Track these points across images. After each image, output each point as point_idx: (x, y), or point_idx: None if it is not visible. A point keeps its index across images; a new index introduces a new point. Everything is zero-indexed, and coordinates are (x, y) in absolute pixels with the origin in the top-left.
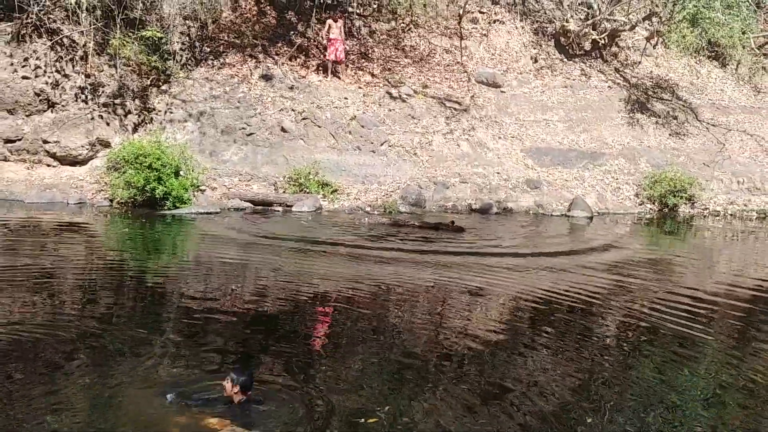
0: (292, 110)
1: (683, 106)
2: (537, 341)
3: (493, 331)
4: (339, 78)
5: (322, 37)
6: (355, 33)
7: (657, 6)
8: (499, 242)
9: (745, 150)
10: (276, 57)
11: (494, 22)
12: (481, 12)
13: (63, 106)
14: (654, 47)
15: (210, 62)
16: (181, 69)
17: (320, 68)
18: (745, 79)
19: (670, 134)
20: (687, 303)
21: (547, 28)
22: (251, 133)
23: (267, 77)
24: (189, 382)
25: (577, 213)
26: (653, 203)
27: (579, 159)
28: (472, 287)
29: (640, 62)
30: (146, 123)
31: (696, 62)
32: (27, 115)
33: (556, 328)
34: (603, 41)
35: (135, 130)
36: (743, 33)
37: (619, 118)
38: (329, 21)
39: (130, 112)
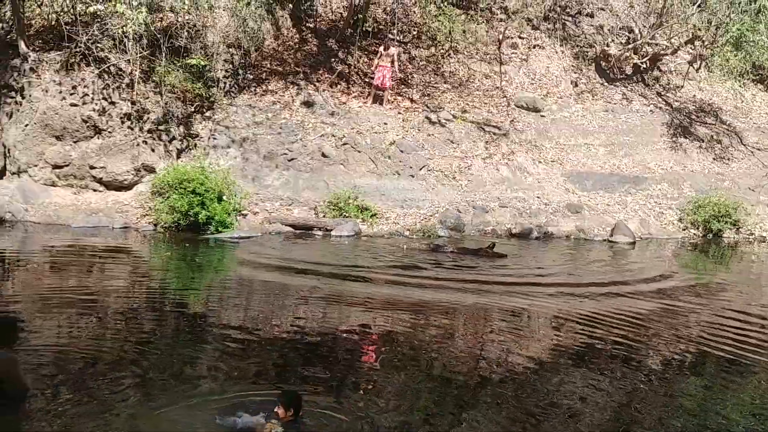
0: (333, 136)
1: (727, 130)
2: (579, 366)
3: (534, 356)
4: (381, 104)
5: (375, 66)
6: (398, 60)
7: (699, 30)
8: (541, 269)
9: None
10: (317, 84)
11: (534, 47)
12: (520, 37)
13: (109, 132)
14: (697, 71)
15: (253, 89)
16: (224, 96)
17: (363, 95)
18: None
19: (714, 158)
20: (735, 327)
21: (587, 52)
22: (292, 159)
23: (308, 103)
24: (234, 404)
25: (620, 238)
26: (697, 228)
27: (621, 183)
28: (513, 312)
29: (682, 86)
30: (190, 149)
31: (740, 86)
32: (74, 142)
33: (599, 354)
34: (644, 65)
35: (179, 155)
36: None
37: (662, 143)
38: (381, 48)
39: (174, 138)
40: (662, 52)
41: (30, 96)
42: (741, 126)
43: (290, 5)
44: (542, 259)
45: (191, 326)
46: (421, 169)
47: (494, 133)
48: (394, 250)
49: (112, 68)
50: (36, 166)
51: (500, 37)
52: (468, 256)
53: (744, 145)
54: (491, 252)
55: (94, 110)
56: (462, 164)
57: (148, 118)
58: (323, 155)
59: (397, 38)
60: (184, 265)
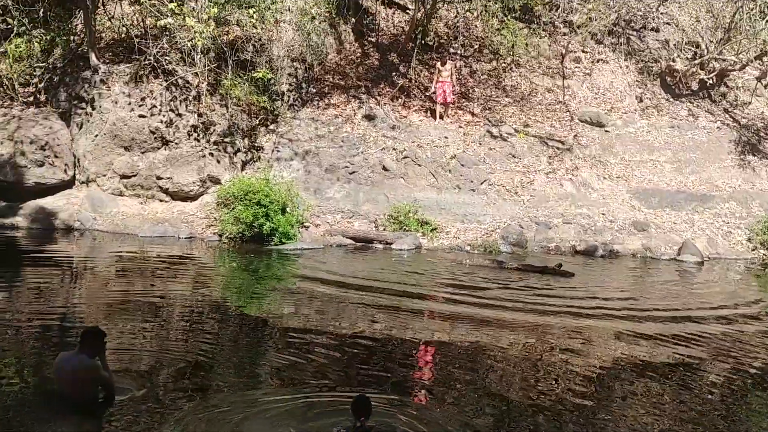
0: (393, 149)
1: None
2: (642, 398)
3: (595, 386)
4: (443, 119)
5: (434, 82)
6: (456, 73)
7: (766, 45)
8: (613, 292)
9: None
10: (378, 97)
11: (597, 61)
12: (584, 51)
13: (176, 143)
14: (765, 87)
15: (315, 103)
16: (288, 109)
17: (423, 109)
18: None
19: None
20: None
21: (652, 67)
22: (353, 172)
23: (369, 117)
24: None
25: (687, 257)
26: (767, 249)
27: (688, 201)
28: (577, 340)
29: (750, 103)
30: (254, 161)
31: None
32: (142, 152)
33: (665, 384)
34: (711, 81)
35: (243, 167)
36: None
37: (729, 160)
38: (438, 64)
39: (239, 150)
40: (730, 67)
41: (100, 107)
42: None
43: (353, 20)
44: (612, 281)
45: (254, 335)
46: (482, 184)
47: (557, 148)
48: (456, 266)
49: (179, 81)
50: (104, 175)
51: (563, 51)
52: (533, 274)
53: None
54: (558, 270)
55: (161, 122)
56: (524, 179)
57: (214, 130)
58: (384, 168)
59: (459, 52)
60: (249, 275)
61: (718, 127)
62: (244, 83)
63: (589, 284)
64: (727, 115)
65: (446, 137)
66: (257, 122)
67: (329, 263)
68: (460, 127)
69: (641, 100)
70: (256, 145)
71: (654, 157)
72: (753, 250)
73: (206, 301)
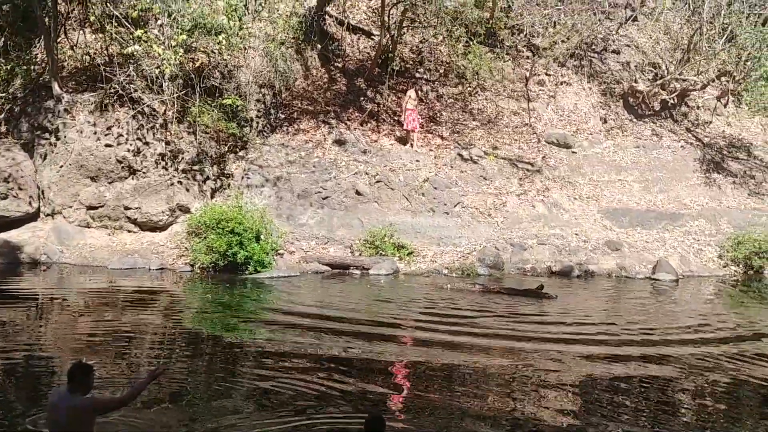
0: (366, 174)
1: (760, 165)
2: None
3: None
4: (413, 146)
5: (402, 108)
6: (423, 97)
7: (728, 65)
8: (595, 316)
9: None
10: (348, 122)
11: (561, 83)
12: (547, 74)
13: (144, 173)
14: (725, 106)
15: (285, 128)
16: (257, 135)
17: (393, 133)
18: None
19: (749, 194)
20: None
21: (614, 88)
22: (327, 197)
23: (340, 142)
24: None
25: (662, 276)
26: (738, 265)
27: (658, 220)
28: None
29: (711, 122)
30: (224, 188)
31: None
32: (109, 182)
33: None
34: (672, 101)
35: (213, 195)
36: None
37: (695, 178)
38: (409, 92)
39: (208, 177)
40: (690, 87)
41: (65, 137)
42: None
43: (319, 45)
44: (595, 303)
45: (229, 363)
46: (455, 206)
47: (527, 170)
48: (438, 291)
49: (146, 109)
50: (70, 207)
51: (527, 74)
52: (517, 297)
53: None
54: (541, 293)
55: (128, 151)
56: (497, 201)
57: (183, 158)
58: (357, 193)
59: (425, 76)
60: (223, 306)
61: (682, 146)
62: (213, 110)
63: (577, 308)
64: (689, 134)
65: (417, 160)
66: (226, 149)
67: (306, 292)
68: (431, 150)
69: (605, 121)
70: (225, 172)
71: (622, 177)
72: (724, 266)
73: (181, 333)
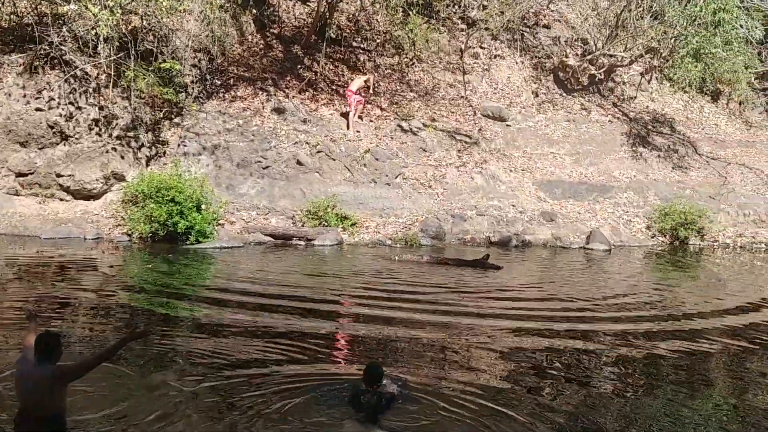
0: (307, 143)
1: (681, 139)
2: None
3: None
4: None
5: (351, 91)
6: (360, 67)
7: (654, 42)
8: (548, 288)
9: (746, 183)
10: (286, 90)
11: (495, 57)
12: (481, 47)
13: (77, 138)
14: (649, 82)
15: (221, 95)
16: (193, 102)
17: (331, 104)
18: (736, 113)
19: (672, 167)
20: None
21: (546, 63)
22: (267, 167)
23: (279, 110)
24: None
25: (596, 246)
26: (665, 236)
27: (589, 192)
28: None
29: (635, 97)
30: (160, 156)
31: (689, 98)
32: (40, 148)
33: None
34: (600, 76)
35: (148, 163)
36: (746, 68)
37: (623, 152)
38: (365, 77)
39: (143, 145)
40: (618, 63)
41: None
42: (694, 136)
43: (254, 11)
44: (542, 273)
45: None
46: (396, 177)
47: (465, 142)
48: (385, 263)
49: (78, 72)
50: None
51: (462, 47)
52: (466, 269)
53: (699, 154)
54: (487, 264)
55: (60, 115)
56: (436, 172)
57: (117, 124)
58: (298, 163)
59: (361, 46)
60: (166, 276)
61: (609, 121)
62: (148, 75)
63: (524, 278)
64: (616, 109)
65: (358, 131)
66: (162, 115)
67: (251, 263)
68: (371, 121)
69: (537, 95)
70: (161, 139)
71: (554, 150)
72: (652, 237)
73: (119, 304)
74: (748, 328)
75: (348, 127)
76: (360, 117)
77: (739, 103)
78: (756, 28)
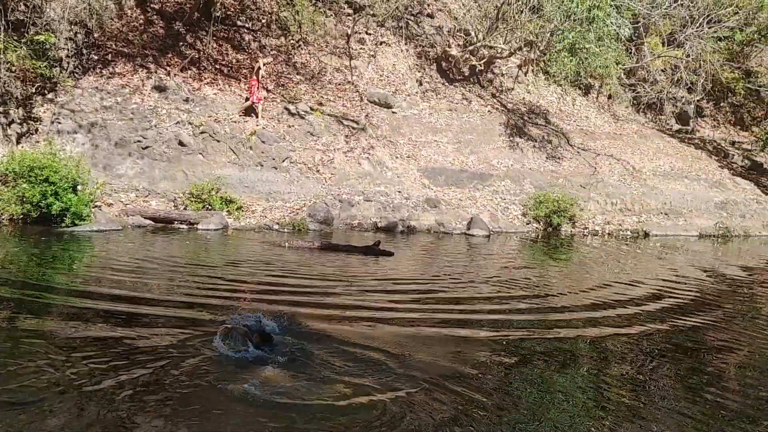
0: (189, 123)
1: (555, 131)
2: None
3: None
4: (257, 117)
5: (254, 81)
6: (245, 47)
7: (532, 35)
8: (443, 269)
9: (614, 173)
10: (168, 68)
11: (381, 43)
12: (367, 33)
13: None
14: (525, 74)
15: (99, 71)
16: (68, 77)
17: (215, 83)
18: (605, 107)
19: (547, 157)
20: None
21: (429, 52)
22: (147, 147)
23: (160, 88)
24: None
25: (476, 231)
26: (539, 223)
27: (470, 180)
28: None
29: (512, 89)
30: (31, 134)
31: (563, 90)
32: None
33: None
34: (480, 67)
35: (19, 141)
36: (617, 63)
37: (501, 141)
38: (261, 61)
39: (13, 121)
40: (497, 55)
41: None
42: (567, 128)
43: None
44: (432, 258)
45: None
46: (283, 161)
47: (353, 128)
48: (273, 249)
49: None
50: None
51: (349, 31)
52: (357, 255)
53: (571, 145)
54: (379, 250)
55: None
56: (324, 157)
57: None
58: (180, 144)
59: (246, 25)
60: (38, 260)
61: (489, 111)
62: (20, 47)
63: (410, 266)
64: (495, 100)
65: (259, 117)
66: (33, 90)
67: (127, 247)
68: (250, 84)
69: (421, 84)
70: (33, 115)
71: (437, 138)
72: (528, 224)
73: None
74: (604, 306)
75: (257, 116)
76: (257, 115)
77: (608, 97)
78: (625, 25)
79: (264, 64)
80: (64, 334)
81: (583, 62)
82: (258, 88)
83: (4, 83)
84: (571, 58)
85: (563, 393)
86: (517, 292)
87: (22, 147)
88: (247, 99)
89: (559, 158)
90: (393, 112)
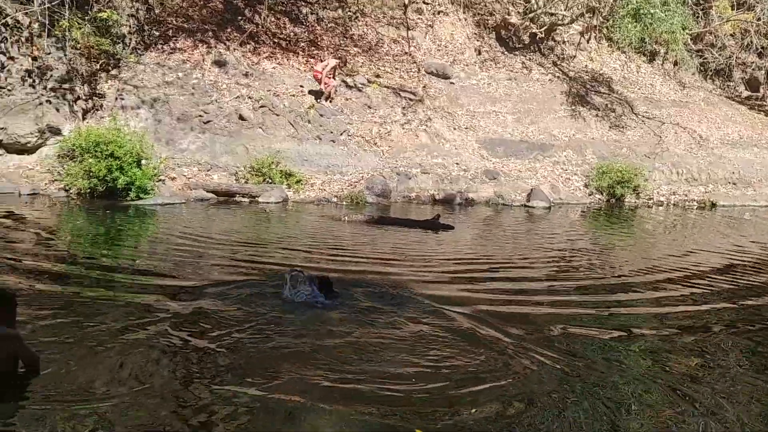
0: (249, 98)
1: (619, 99)
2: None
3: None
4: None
5: (322, 76)
6: (302, 20)
7: (594, 1)
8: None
9: (680, 142)
10: (227, 42)
11: (438, 13)
12: (425, 3)
13: (9, 90)
14: (588, 42)
15: (160, 47)
16: (131, 53)
17: (273, 57)
18: (671, 74)
19: (610, 126)
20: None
21: (488, 20)
22: (208, 121)
23: (220, 63)
24: None
25: (537, 203)
26: (602, 194)
27: (530, 150)
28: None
29: (574, 56)
30: (96, 110)
31: (626, 57)
32: None
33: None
34: (541, 35)
35: (84, 116)
36: (683, 28)
37: (563, 111)
38: (328, 61)
39: (79, 97)
40: (558, 22)
41: None
42: (631, 96)
43: None
44: (494, 233)
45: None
46: (341, 134)
47: (410, 99)
48: (332, 223)
49: (9, 20)
50: None
51: (406, 1)
52: (417, 229)
53: (635, 114)
54: (438, 224)
55: None
56: (382, 130)
57: (51, 76)
58: (241, 118)
59: None
60: (108, 232)
61: (550, 80)
62: (84, 24)
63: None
64: (556, 68)
65: (302, 86)
66: (98, 67)
67: (196, 219)
68: (316, 63)
69: (480, 53)
70: (97, 92)
71: (496, 109)
72: (590, 195)
73: (56, 265)
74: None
75: (330, 100)
76: (330, 99)
77: (674, 64)
78: None
79: (334, 65)
80: (142, 304)
81: (647, 28)
82: (327, 77)
83: (70, 60)
84: (635, 23)
85: (626, 364)
86: (579, 269)
87: (88, 123)
88: (319, 81)
89: (622, 127)
90: (451, 83)
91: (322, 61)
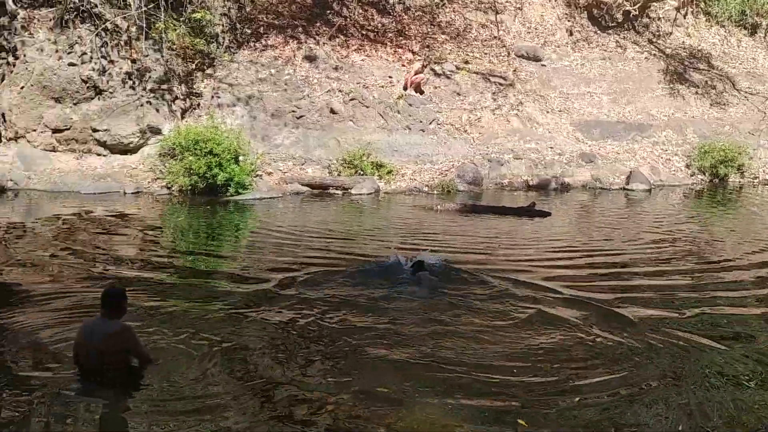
0: (339, 91)
1: (719, 75)
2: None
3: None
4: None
5: (408, 79)
6: (390, 10)
7: None
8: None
9: None
10: (317, 37)
11: None
12: None
13: (111, 93)
14: (684, 17)
15: (252, 44)
16: (224, 52)
17: (362, 50)
18: None
19: (711, 104)
20: None
21: (579, 0)
22: (301, 116)
23: (310, 58)
24: None
25: (636, 186)
26: (704, 174)
27: (627, 131)
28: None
29: (671, 33)
30: (194, 108)
31: (726, 32)
32: (75, 104)
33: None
34: (635, 12)
35: (183, 116)
36: None
37: (660, 89)
38: (415, 65)
39: (177, 97)
40: None
41: (24, 56)
42: (732, 71)
43: None
44: (593, 218)
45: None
46: (431, 123)
47: (500, 84)
48: (426, 213)
49: (109, 25)
50: (35, 130)
51: None
52: (512, 216)
53: (737, 90)
54: (534, 211)
55: (93, 70)
56: (471, 116)
57: (150, 77)
58: (332, 111)
59: None
60: (214, 228)
61: (645, 58)
62: (179, 25)
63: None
64: (652, 46)
65: (390, 77)
66: (194, 67)
67: (295, 213)
68: (403, 65)
69: (571, 33)
70: (194, 91)
71: (591, 90)
72: (692, 175)
73: (168, 260)
74: None
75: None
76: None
77: None
78: None
79: (417, 71)
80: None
81: (747, 1)
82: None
83: (167, 61)
84: None
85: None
86: (686, 256)
87: (186, 121)
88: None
89: (724, 104)
90: (542, 65)
91: (410, 63)
